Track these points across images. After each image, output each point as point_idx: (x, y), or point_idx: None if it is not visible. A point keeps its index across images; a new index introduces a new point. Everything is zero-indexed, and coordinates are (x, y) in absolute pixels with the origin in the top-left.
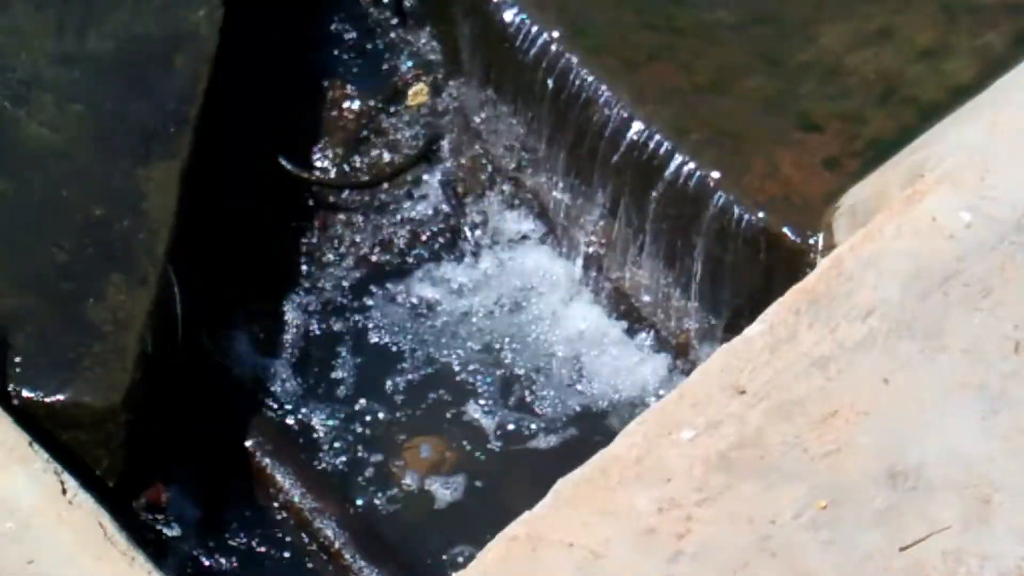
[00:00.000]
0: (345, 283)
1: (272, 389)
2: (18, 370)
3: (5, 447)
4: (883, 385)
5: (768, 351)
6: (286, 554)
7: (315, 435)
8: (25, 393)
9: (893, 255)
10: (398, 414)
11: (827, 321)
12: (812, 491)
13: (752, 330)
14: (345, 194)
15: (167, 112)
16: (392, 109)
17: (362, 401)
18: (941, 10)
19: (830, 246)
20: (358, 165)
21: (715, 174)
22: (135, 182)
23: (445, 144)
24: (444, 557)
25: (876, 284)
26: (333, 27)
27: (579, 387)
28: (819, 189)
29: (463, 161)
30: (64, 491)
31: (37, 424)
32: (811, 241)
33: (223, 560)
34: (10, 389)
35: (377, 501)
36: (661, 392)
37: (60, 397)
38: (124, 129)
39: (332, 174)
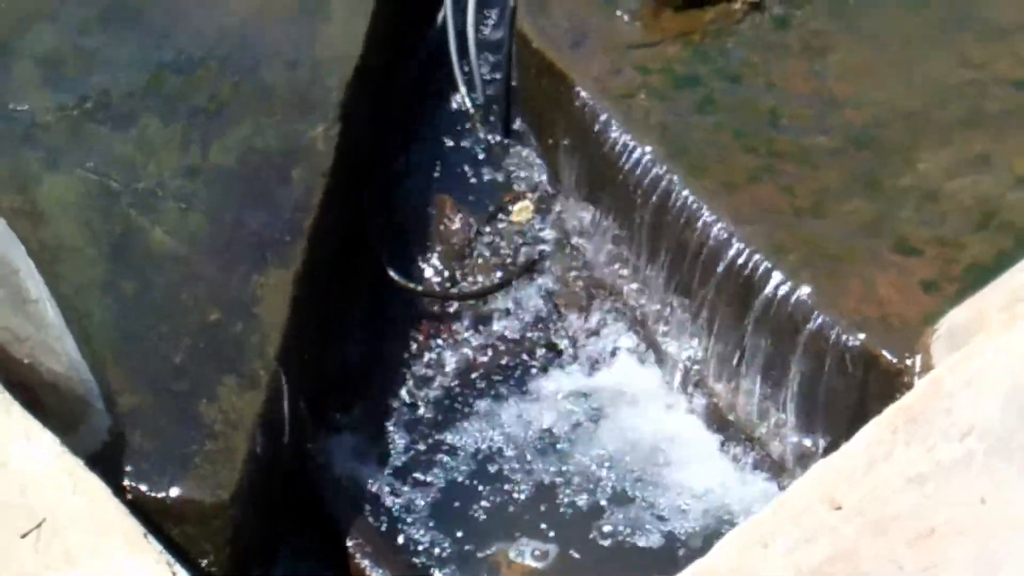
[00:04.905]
0: (446, 392)
1: (372, 492)
2: (132, 465)
3: (122, 538)
4: (980, 505)
5: (865, 467)
6: None
7: (413, 538)
8: (139, 487)
9: (992, 376)
10: (496, 521)
11: (924, 439)
12: None
13: (849, 446)
14: (449, 306)
15: (283, 222)
16: (497, 224)
17: (460, 507)
18: None
19: (927, 368)
20: (462, 278)
21: (813, 294)
22: (250, 288)
23: (547, 260)
24: None
25: (975, 404)
26: (443, 142)
27: (675, 498)
28: (917, 311)
29: (565, 276)
30: None
31: (148, 517)
32: (908, 362)
33: None
34: (125, 483)
35: None
36: (757, 505)
37: (172, 493)
38: (242, 237)
39: (437, 286)
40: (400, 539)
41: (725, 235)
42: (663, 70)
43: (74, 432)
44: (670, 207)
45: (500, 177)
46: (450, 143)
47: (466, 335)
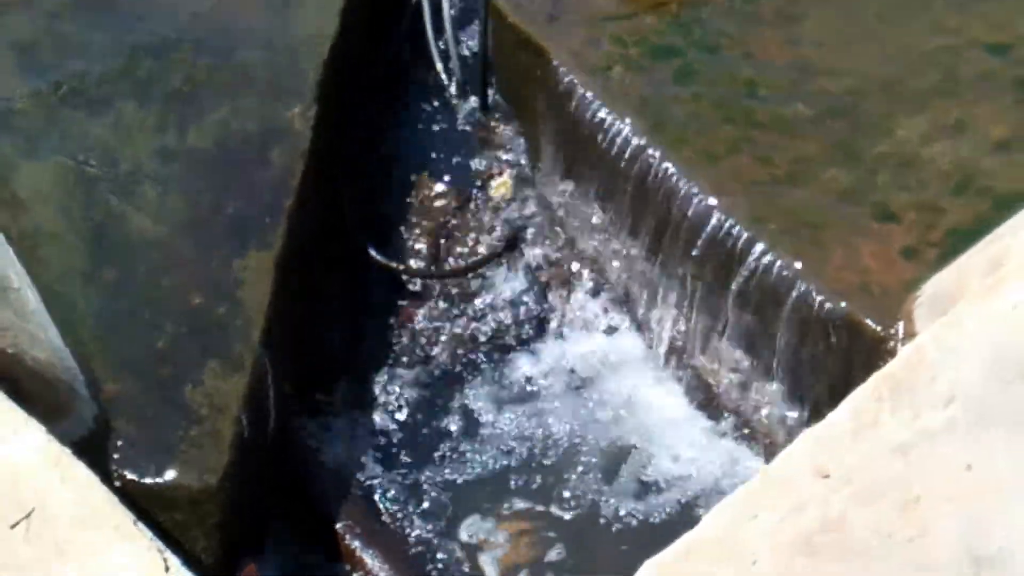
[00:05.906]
0: (430, 370)
1: (361, 473)
2: (119, 452)
3: (113, 526)
4: (966, 472)
5: (851, 436)
6: None
7: (403, 518)
8: (126, 474)
9: (975, 343)
10: (484, 497)
11: (909, 407)
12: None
13: (835, 415)
14: (431, 283)
15: (263, 204)
16: (476, 200)
17: (448, 484)
18: (1014, 104)
19: (910, 334)
20: (443, 255)
21: (795, 264)
22: (231, 271)
23: (528, 235)
24: None
25: (958, 372)
26: (420, 120)
27: (663, 470)
28: (898, 278)
29: (546, 251)
30: (167, 568)
31: (137, 504)
32: (891, 330)
33: None
34: (112, 470)
35: None
36: (743, 476)
37: (159, 479)
38: (221, 220)
39: (418, 264)
40: (389, 518)
41: (705, 206)
42: (640, 42)
43: (59, 421)
44: (651, 179)
45: (479, 154)
46: (428, 121)
47: (449, 312)
